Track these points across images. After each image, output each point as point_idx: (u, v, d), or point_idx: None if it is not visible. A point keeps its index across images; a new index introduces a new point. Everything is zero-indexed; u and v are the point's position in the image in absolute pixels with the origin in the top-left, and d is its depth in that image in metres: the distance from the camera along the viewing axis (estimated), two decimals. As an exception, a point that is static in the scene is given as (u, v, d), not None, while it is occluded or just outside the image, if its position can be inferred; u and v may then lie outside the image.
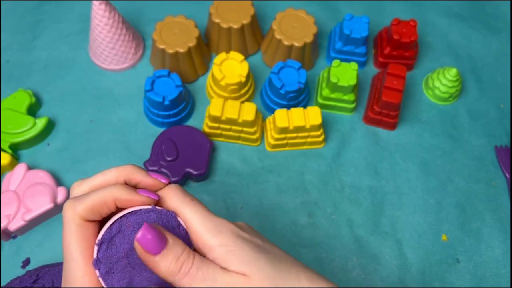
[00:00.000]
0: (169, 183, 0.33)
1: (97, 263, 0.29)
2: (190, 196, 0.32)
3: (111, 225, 0.30)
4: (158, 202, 0.32)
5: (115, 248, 0.29)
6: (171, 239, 0.29)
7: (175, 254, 0.28)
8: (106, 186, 0.31)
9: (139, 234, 0.28)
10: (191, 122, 0.59)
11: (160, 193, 0.32)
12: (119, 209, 0.31)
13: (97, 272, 0.29)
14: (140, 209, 0.30)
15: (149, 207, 0.31)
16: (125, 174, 0.32)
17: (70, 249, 0.30)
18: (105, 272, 0.29)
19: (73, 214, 0.30)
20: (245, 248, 0.30)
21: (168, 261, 0.28)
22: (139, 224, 0.30)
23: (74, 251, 0.29)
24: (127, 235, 0.30)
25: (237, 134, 0.57)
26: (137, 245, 0.28)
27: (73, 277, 0.29)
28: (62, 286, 0.31)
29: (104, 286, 0.29)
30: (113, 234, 0.30)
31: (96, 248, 0.29)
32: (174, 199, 0.31)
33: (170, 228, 0.30)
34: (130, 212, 0.30)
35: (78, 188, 0.32)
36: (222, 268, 0.29)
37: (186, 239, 0.31)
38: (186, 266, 0.28)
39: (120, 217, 0.30)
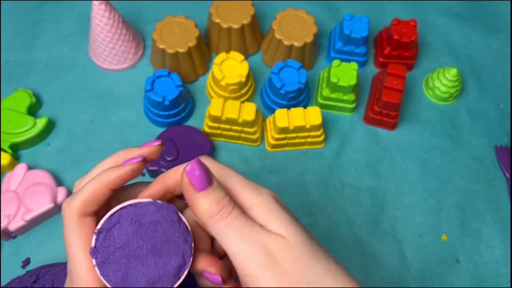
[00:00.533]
0: (162, 143, 0.33)
1: (94, 252, 0.29)
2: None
3: (110, 215, 0.30)
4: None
5: (112, 239, 0.29)
6: (216, 182, 0.29)
7: (218, 196, 0.29)
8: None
9: (188, 167, 0.28)
10: (191, 122, 0.59)
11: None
12: (118, 198, 0.32)
13: (93, 261, 0.29)
14: (141, 202, 0.31)
15: (150, 200, 0.31)
16: (121, 158, 0.32)
17: (71, 246, 0.30)
18: (101, 261, 0.29)
19: (70, 212, 0.30)
20: (284, 213, 0.30)
21: (209, 201, 0.28)
22: (137, 216, 0.30)
23: (75, 248, 0.30)
24: (125, 226, 0.30)
25: (237, 134, 0.57)
26: (184, 178, 0.29)
27: (77, 274, 0.30)
28: (67, 284, 0.31)
29: (100, 276, 0.29)
30: (111, 224, 0.30)
31: (94, 237, 0.29)
32: (214, 164, 0.32)
33: (170, 222, 0.30)
34: (130, 204, 0.30)
35: (79, 186, 0.32)
36: (261, 225, 0.29)
37: (186, 235, 0.30)
38: (225, 211, 0.29)
39: (120, 209, 0.30)
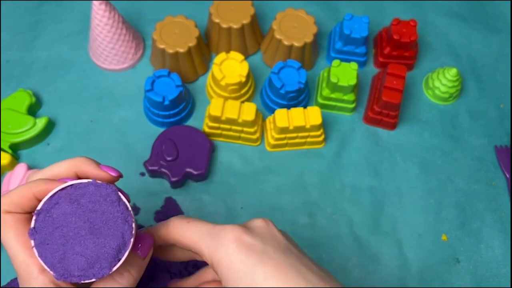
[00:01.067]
0: (119, 176, 0.33)
1: (32, 233, 0.29)
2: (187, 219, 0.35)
3: (50, 196, 0.30)
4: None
5: (51, 220, 0.29)
6: None
7: None
8: (57, 177, 0.32)
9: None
10: (191, 122, 0.59)
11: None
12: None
13: (32, 242, 0.29)
14: (80, 182, 0.31)
15: (90, 180, 0.31)
16: (77, 166, 0.33)
17: (4, 240, 0.30)
18: (40, 242, 0.29)
19: (9, 218, 0.30)
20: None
21: None
22: (76, 196, 0.30)
23: (8, 240, 0.30)
24: (64, 207, 0.29)
25: (237, 134, 0.57)
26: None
27: (15, 264, 0.30)
28: (20, 285, 0.31)
29: (38, 257, 0.29)
30: (51, 205, 0.30)
31: (34, 218, 0.29)
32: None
33: (109, 202, 0.30)
34: (70, 185, 0.30)
35: (31, 177, 0.33)
36: None
37: (126, 215, 0.30)
38: None
39: (60, 190, 0.30)
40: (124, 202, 0.31)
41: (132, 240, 0.30)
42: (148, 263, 0.34)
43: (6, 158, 0.53)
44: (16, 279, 0.47)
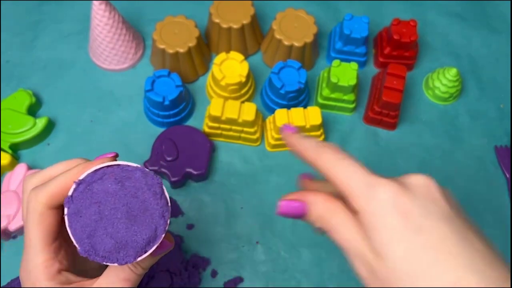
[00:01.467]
0: (115, 155, 0.32)
1: (68, 201, 0.28)
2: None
3: (95, 170, 0.29)
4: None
5: (90, 193, 0.28)
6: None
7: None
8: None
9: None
10: (191, 122, 0.59)
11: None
12: None
13: (66, 210, 0.28)
14: (129, 165, 0.30)
15: (138, 166, 0.30)
16: (73, 166, 0.32)
17: (30, 236, 0.30)
18: (73, 212, 0.28)
19: (36, 202, 0.30)
20: (398, 229, 0.26)
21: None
22: (121, 178, 0.29)
23: (34, 238, 0.30)
24: (107, 184, 0.28)
25: (237, 134, 0.57)
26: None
27: (31, 264, 0.30)
28: (20, 273, 0.31)
29: (67, 227, 0.28)
30: (94, 179, 0.29)
31: (73, 186, 0.29)
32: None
33: (152, 192, 0.29)
34: (118, 165, 0.30)
35: (29, 180, 0.32)
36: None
37: (165, 210, 0.29)
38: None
39: (107, 166, 0.29)
40: (165, 197, 0.30)
41: (163, 236, 0.29)
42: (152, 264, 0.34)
43: (6, 158, 0.53)
44: (16, 279, 0.47)
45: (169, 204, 0.30)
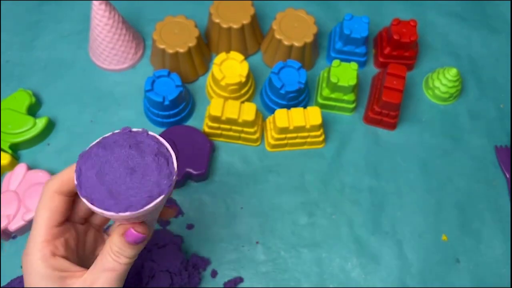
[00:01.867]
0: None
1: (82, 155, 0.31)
2: None
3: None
4: None
5: (107, 145, 0.31)
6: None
7: None
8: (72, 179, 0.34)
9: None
10: (191, 122, 0.59)
11: None
12: None
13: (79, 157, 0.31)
14: (138, 131, 0.33)
15: (149, 133, 0.33)
16: None
17: (38, 217, 0.33)
18: (84, 155, 0.31)
19: (47, 187, 0.33)
20: None
21: None
22: (132, 143, 0.31)
23: (40, 219, 0.33)
24: (118, 141, 0.31)
25: (237, 134, 0.57)
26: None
27: (31, 242, 0.32)
28: (25, 250, 0.33)
29: (76, 164, 0.31)
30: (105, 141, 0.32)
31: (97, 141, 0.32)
32: None
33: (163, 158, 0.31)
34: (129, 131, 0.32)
35: (48, 184, 0.34)
36: None
37: (170, 175, 0.31)
38: None
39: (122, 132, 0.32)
40: (173, 163, 0.32)
41: (161, 198, 0.30)
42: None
43: (6, 158, 0.53)
44: (16, 279, 0.47)
45: (175, 170, 0.32)
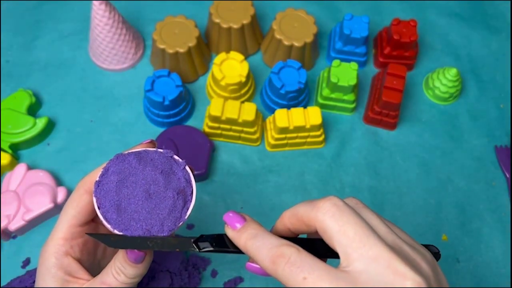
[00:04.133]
0: (151, 141, 0.35)
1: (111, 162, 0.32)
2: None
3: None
4: None
5: (134, 163, 0.32)
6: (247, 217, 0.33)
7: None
8: None
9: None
10: (191, 122, 0.59)
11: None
12: None
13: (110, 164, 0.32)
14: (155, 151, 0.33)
15: (165, 151, 0.33)
16: None
17: (62, 213, 0.34)
18: (108, 171, 0.32)
19: (78, 187, 0.34)
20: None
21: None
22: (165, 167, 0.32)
23: (65, 214, 0.33)
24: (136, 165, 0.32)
25: (237, 134, 0.57)
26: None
27: (52, 236, 0.33)
28: (46, 240, 0.34)
29: (100, 168, 0.32)
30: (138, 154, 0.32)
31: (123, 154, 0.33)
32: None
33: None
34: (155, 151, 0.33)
35: (82, 183, 0.35)
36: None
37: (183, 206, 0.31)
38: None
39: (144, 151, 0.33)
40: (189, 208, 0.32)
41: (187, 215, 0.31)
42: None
43: (6, 158, 0.53)
44: (16, 279, 0.47)
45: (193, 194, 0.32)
